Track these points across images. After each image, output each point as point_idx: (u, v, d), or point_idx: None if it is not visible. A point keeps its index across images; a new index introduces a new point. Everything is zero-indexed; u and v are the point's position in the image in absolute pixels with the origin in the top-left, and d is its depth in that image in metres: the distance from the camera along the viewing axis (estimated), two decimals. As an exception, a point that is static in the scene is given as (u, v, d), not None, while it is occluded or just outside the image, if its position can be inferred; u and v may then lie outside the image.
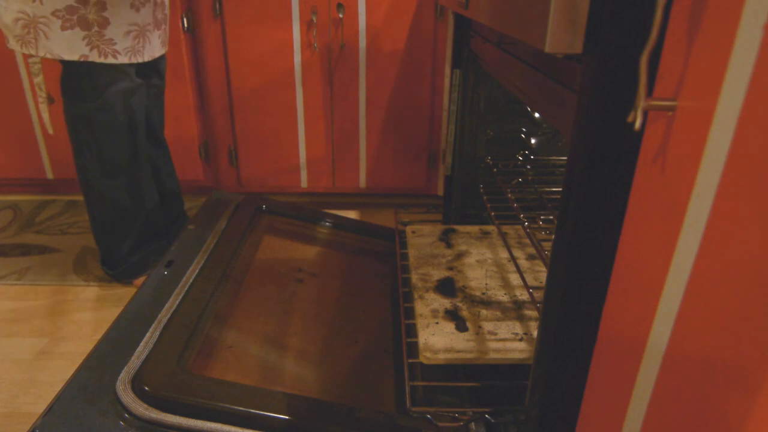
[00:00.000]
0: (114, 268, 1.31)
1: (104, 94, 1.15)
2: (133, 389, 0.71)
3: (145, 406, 0.68)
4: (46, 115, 1.23)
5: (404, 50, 1.57)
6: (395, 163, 1.69)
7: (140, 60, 1.16)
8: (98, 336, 1.13)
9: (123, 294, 1.30)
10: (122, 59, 1.13)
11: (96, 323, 1.19)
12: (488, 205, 1.18)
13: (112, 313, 1.22)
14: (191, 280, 0.95)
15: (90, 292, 1.32)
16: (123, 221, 1.27)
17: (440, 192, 1.70)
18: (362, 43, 1.55)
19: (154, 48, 1.20)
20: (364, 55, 1.57)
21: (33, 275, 1.38)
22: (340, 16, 1.51)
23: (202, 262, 1.01)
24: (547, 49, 0.45)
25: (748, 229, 0.31)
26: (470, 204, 1.33)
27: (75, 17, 1.07)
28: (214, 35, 1.55)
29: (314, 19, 1.51)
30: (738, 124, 0.31)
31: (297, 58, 1.56)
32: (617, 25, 0.43)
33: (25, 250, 1.51)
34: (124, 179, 1.24)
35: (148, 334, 0.81)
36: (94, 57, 1.10)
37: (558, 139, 1.27)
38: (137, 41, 1.14)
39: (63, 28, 1.07)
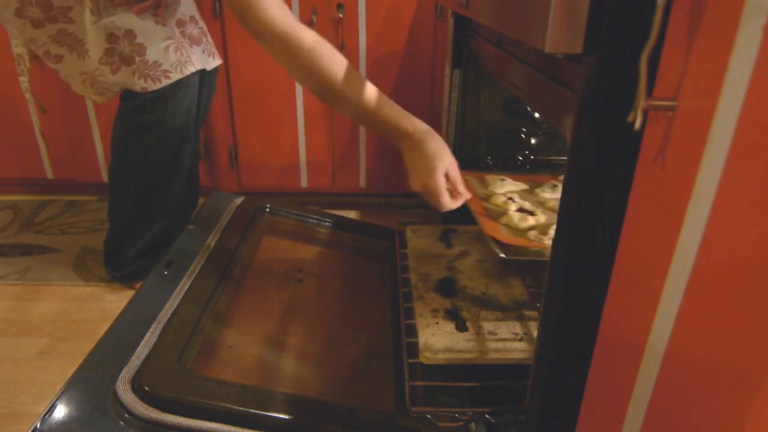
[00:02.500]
0: (119, 270, 1.31)
1: (167, 106, 1.15)
2: (133, 389, 0.71)
3: (145, 406, 0.68)
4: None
5: (404, 50, 1.57)
6: (395, 163, 1.69)
7: (192, 70, 1.15)
8: (98, 336, 1.13)
9: (123, 294, 1.30)
10: (175, 76, 1.12)
11: (96, 323, 1.19)
12: (488, 205, 1.18)
13: (112, 313, 1.22)
14: (191, 280, 0.95)
15: (90, 292, 1.32)
16: (143, 227, 1.27)
17: (440, 192, 1.69)
18: (362, 43, 1.55)
19: (200, 59, 1.19)
20: (364, 55, 1.57)
21: (33, 275, 1.38)
22: (340, 16, 1.51)
23: (202, 262, 1.01)
24: (547, 49, 0.45)
25: (748, 229, 0.31)
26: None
27: (116, 57, 1.08)
28: (214, 35, 1.55)
29: (314, 19, 1.51)
30: (738, 124, 0.32)
31: (297, 58, 1.56)
32: (617, 25, 0.43)
33: (25, 250, 1.51)
34: (160, 188, 1.24)
35: (148, 334, 0.81)
36: (151, 86, 1.11)
37: (558, 139, 1.27)
38: (180, 53, 1.13)
39: (113, 72, 1.10)
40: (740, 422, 0.31)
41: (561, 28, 0.44)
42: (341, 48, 1.55)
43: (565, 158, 0.68)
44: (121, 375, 0.73)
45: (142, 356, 0.76)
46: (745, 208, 0.31)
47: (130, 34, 1.07)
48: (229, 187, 1.74)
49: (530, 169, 1.24)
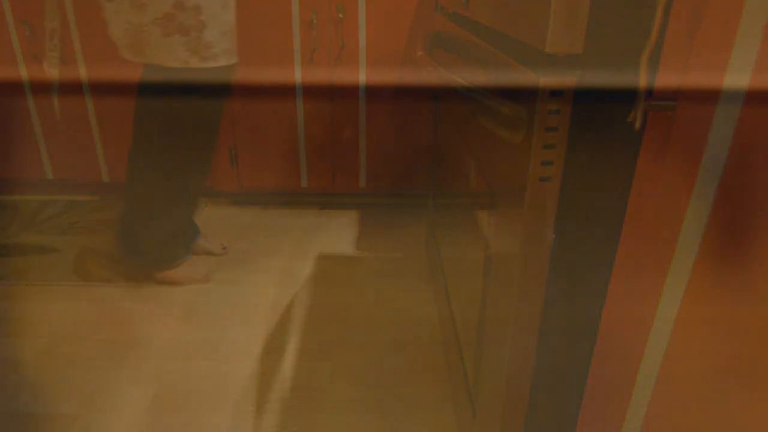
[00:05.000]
0: (145, 255, 1.30)
1: (197, 95, 1.15)
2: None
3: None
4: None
5: (404, 50, 1.57)
6: (395, 163, 1.69)
7: (235, 60, 1.15)
8: (98, 336, 1.13)
9: (123, 294, 1.30)
10: (222, 62, 1.12)
11: (96, 323, 1.19)
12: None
13: (111, 313, 1.22)
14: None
15: (90, 292, 1.32)
16: (167, 209, 1.27)
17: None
18: (362, 43, 1.55)
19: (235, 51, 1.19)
20: (364, 55, 1.57)
21: (33, 275, 1.38)
22: (340, 16, 1.51)
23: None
24: (548, 49, 0.45)
25: (748, 229, 0.31)
26: (470, 204, 1.32)
27: (174, 24, 1.07)
28: (214, 35, 1.55)
29: (314, 19, 1.51)
30: (738, 124, 0.32)
31: (297, 58, 1.56)
32: (617, 25, 0.43)
33: (25, 250, 1.51)
34: (182, 171, 1.24)
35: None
36: (195, 63, 1.10)
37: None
38: (230, 41, 1.13)
39: (164, 35, 1.08)
40: (740, 422, 0.31)
41: (561, 28, 0.44)
42: (341, 48, 1.55)
43: (565, 158, 0.68)
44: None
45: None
46: (744, 208, 0.31)
47: (197, 8, 1.07)
48: (229, 187, 1.74)
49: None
